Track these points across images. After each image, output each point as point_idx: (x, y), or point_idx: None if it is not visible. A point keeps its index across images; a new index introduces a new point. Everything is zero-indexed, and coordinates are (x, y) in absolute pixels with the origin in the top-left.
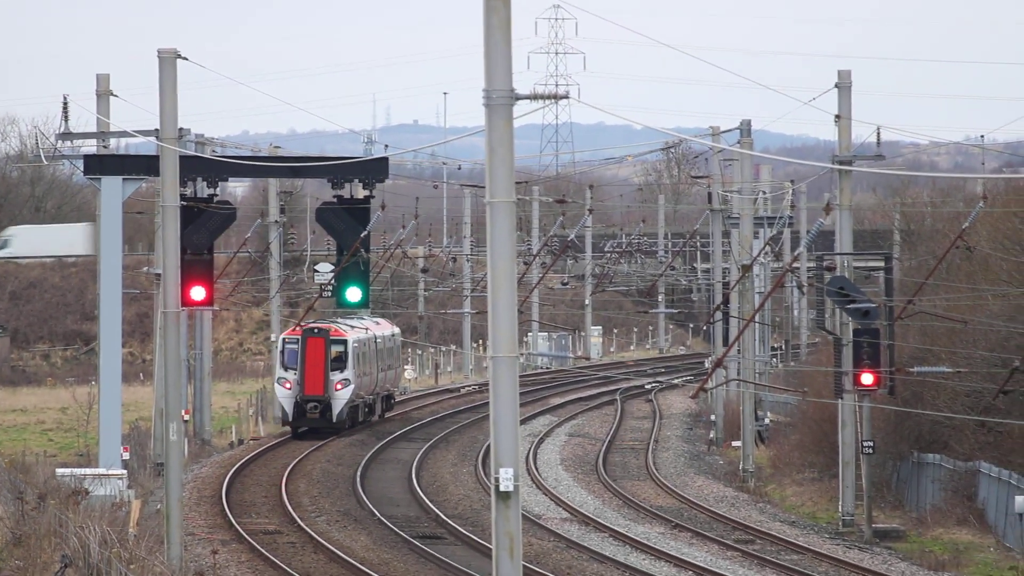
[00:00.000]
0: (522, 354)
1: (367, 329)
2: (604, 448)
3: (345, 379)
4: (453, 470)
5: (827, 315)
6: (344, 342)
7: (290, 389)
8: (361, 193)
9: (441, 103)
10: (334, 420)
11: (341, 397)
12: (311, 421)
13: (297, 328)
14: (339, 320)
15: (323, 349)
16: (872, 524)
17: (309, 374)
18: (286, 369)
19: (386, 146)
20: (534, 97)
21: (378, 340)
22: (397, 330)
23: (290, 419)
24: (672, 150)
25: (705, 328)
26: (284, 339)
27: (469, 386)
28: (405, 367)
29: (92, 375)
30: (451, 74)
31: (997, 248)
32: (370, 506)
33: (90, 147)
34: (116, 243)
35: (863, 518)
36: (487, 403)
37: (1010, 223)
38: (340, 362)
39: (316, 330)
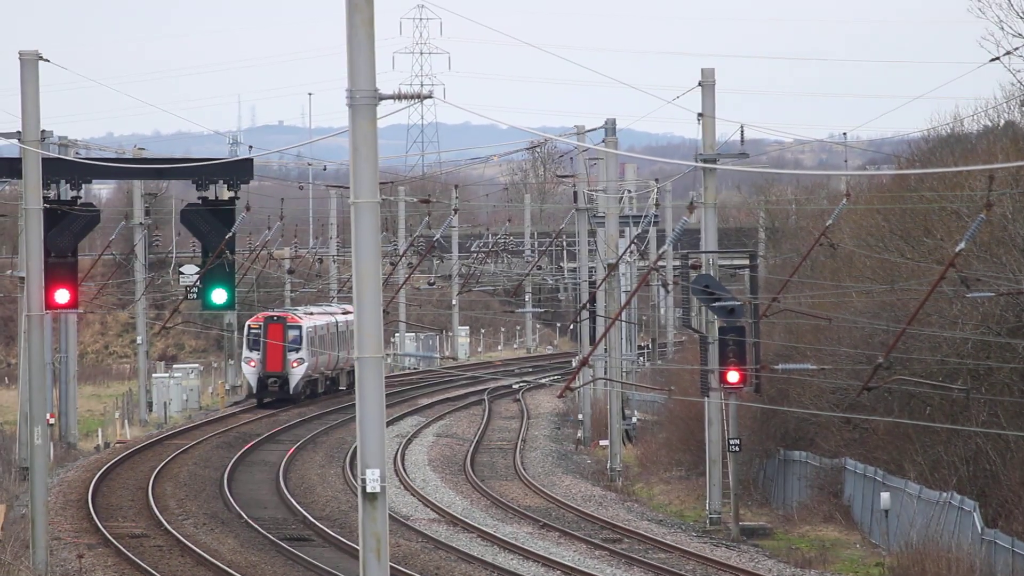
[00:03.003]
0: (388, 355)
1: (330, 315)
2: (472, 448)
3: (300, 358)
4: (321, 471)
5: (693, 313)
6: (299, 327)
7: (254, 367)
8: (226, 194)
9: (306, 103)
10: (291, 392)
11: (297, 373)
12: (272, 393)
13: (260, 316)
14: (299, 308)
15: (281, 333)
16: (739, 522)
17: (269, 354)
18: (251, 350)
19: (251, 147)
20: (398, 97)
21: (340, 324)
22: None
23: (255, 392)
24: (538, 149)
25: (572, 327)
26: (249, 325)
27: (338, 388)
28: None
29: None
30: (316, 74)
31: (860, 245)
32: (237, 508)
33: None
34: None
35: (730, 516)
36: (355, 404)
37: (873, 220)
38: (296, 344)
39: (275, 317)
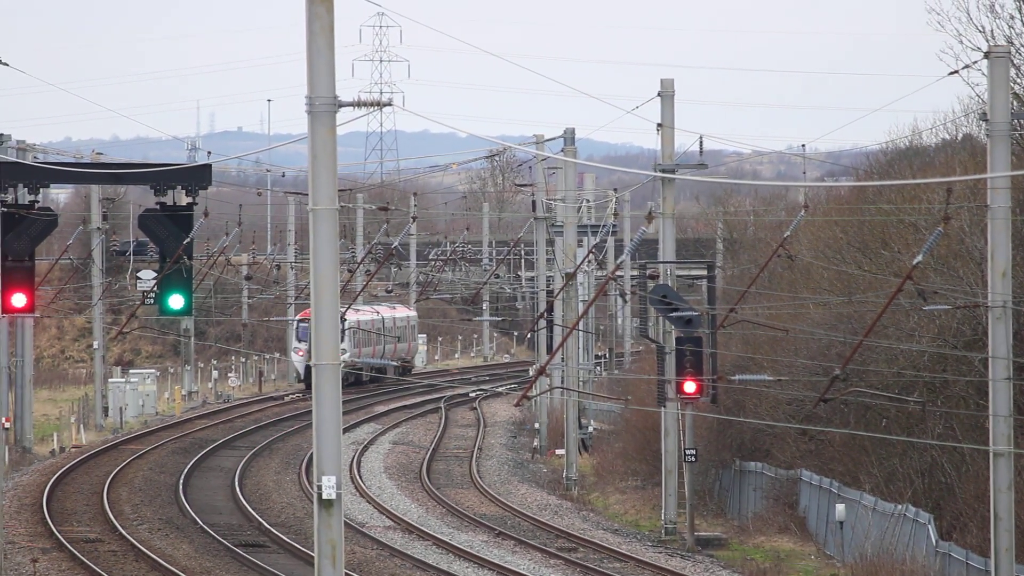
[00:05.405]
0: (345, 361)
1: (376, 313)
2: (428, 456)
3: (343, 349)
4: (276, 478)
5: (650, 323)
6: (343, 321)
7: (302, 356)
8: (184, 200)
9: (265, 110)
10: None
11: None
12: None
13: (308, 311)
14: (346, 306)
15: None
16: (694, 532)
17: None
18: (300, 341)
19: (209, 153)
20: (357, 104)
21: (386, 321)
22: (413, 314)
23: (302, 379)
24: (496, 158)
25: (529, 336)
26: (299, 319)
27: (293, 394)
28: (418, 344)
29: None
30: (276, 81)
31: (818, 257)
32: (192, 514)
33: None
34: None
35: (685, 526)
36: (311, 411)
37: (830, 232)
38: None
39: None
